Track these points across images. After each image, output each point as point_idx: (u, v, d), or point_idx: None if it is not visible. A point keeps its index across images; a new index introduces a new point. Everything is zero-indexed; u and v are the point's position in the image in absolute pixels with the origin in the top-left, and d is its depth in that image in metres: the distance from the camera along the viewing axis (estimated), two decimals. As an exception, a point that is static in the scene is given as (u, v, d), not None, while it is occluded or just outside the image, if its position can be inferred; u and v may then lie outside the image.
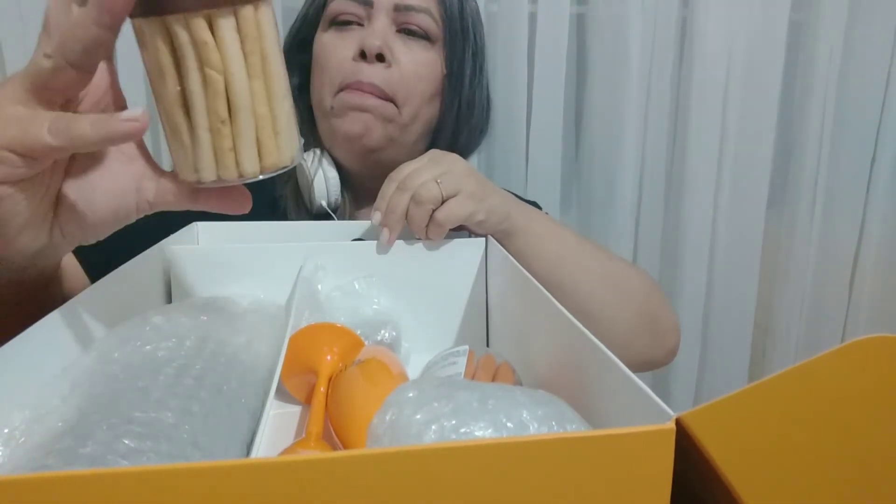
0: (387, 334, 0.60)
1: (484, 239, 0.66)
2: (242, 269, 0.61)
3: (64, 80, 0.41)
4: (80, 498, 0.24)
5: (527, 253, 0.67)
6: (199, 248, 0.67)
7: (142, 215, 0.46)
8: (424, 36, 0.80)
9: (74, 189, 0.45)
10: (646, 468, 0.27)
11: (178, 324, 0.49)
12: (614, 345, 0.68)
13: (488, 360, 0.52)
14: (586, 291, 0.68)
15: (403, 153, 0.80)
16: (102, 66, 0.42)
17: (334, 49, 0.79)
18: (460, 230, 0.65)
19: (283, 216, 0.83)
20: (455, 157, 0.67)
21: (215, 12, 0.37)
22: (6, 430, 0.38)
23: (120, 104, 0.45)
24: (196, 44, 0.37)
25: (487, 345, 0.66)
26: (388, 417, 0.34)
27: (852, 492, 0.29)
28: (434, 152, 0.67)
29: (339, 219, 0.81)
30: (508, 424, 0.32)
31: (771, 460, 0.28)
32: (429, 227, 0.62)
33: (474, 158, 1.17)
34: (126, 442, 0.34)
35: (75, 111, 0.42)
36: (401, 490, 0.25)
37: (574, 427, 0.34)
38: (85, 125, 0.38)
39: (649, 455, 0.27)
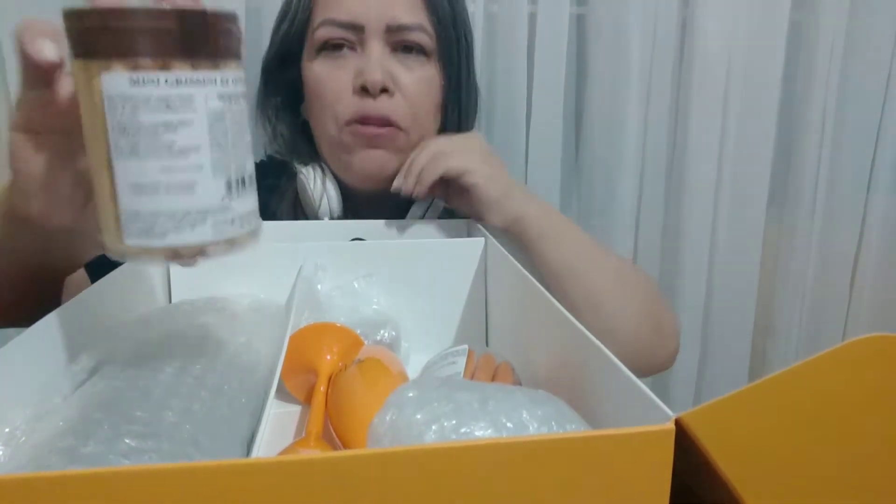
0: (386, 334, 0.60)
1: (483, 239, 0.66)
2: (242, 269, 0.61)
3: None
4: (81, 497, 0.24)
5: (547, 237, 0.69)
6: (199, 247, 0.67)
7: None
8: (421, 51, 0.78)
9: None
10: (645, 468, 0.27)
11: (179, 324, 0.49)
12: (620, 341, 0.70)
13: (488, 360, 0.52)
14: (599, 284, 0.69)
15: None
16: None
17: (330, 81, 0.77)
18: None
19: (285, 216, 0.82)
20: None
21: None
22: (7, 430, 0.38)
23: None
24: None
25: (487, 344, 0.67)
26: (388, 417, 0.34)
27: (852, 490, 0.29)
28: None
29: None
30: (508, 425, 0.32)
31: (771, 459, 0.28)
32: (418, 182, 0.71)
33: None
34: (127, 441, 0.34)
35: None
36: (402, 490, 0.25)
37: (574, 427, 0.34)
38: None
39: (649, 455, 0.27)
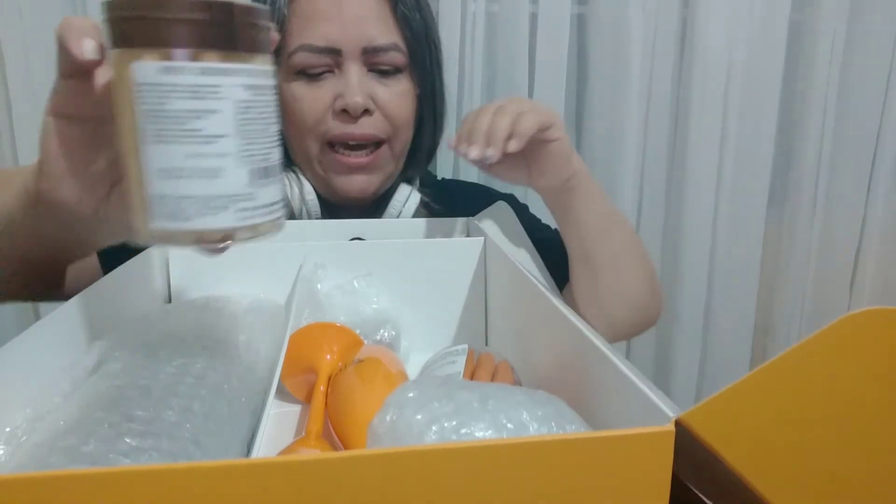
0: (386, 333, 0.60)
1: (483, 238, 0.66)
2: (242, 269, 0.61)
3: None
4: (82, 497, 0.24)
5: (591, 195, 0.68)
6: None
7: None
8: (396, 70, 0.79)
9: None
10: (645, 469, 0.27)
11: (179, 323, 0.49)
12: (630, 304, 0.73)
13: (487, 359, 0.52)
14: (623, 246, 0.70)
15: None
16: None
17: (309, 102, 0.77)
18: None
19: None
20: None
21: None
22: (8, 429, 0.38)
23: None
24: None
25: (486, 344, 0.67)
26: (388, 417, 0.34)
27: (862, 465, 0.29)
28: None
29: None
30: (508, 425, 0.32)
31: (778, 446, 0.28)
32: (510, 139, 0.61)
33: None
34: (128, 440, 0.35)
35: None
36: (402, 490, 0.25)
37: (573, 428, 0.34)
38: None
39: (649, 456, 0.27)
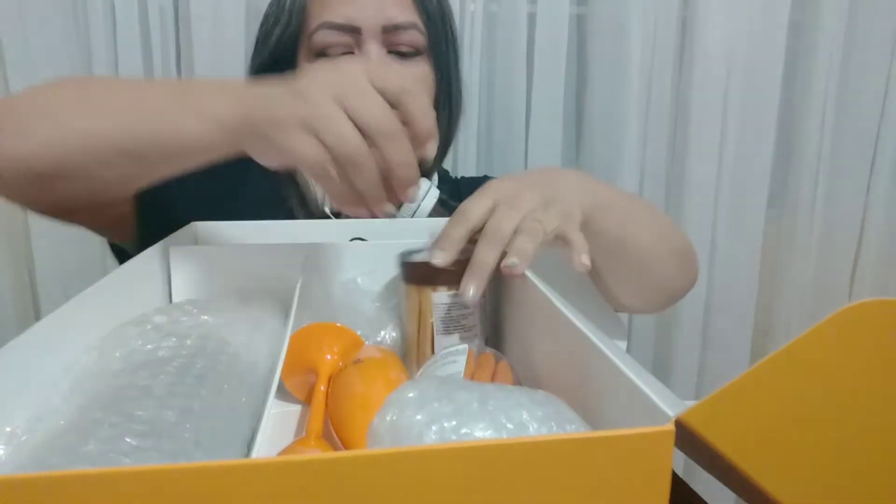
0: (387, 334, 0.60)
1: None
2: (242, 269, 0.61)
3: None
4: (82, 497, 0.24)
5: (612, 215, 0.62)
6: (199, 248, 0.67)
7: None
8: (415, 52, 0.80)
9: None
10: (645, 469, 0.27)
11: (179, 323, 0.49)
12: (663, 290, 0.72)
13: (487, 359, 0.52)
14: (650, 248, 0.66)
15: None
16: None
17: None
18: None
19: (290, 215, 0.83)
20: (564, 184, 0.59)
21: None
22: (8, 429, 0.38)
23: None
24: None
25: (487, 344, 0.67)
26: (388, 418, 0.34)
27: (864, 455, 0.29)
28: (542, 175, 0.59)
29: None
30: (508, 425, 0.32)
31: (779, 440, 0.28)
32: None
33: (473, 159, 1.18)
34: (128, 440, 0.34)
35: None
36: (402, 490, 0.25)
37: (573, 428, 0.34)
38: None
39: (648, 456, 0.27)
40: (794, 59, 1.23)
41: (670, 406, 0.29)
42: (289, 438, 0.51)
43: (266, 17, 0.86)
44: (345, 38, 0.77)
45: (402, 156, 0.46)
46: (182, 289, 0.63)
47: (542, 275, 0.52)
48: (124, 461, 0.33)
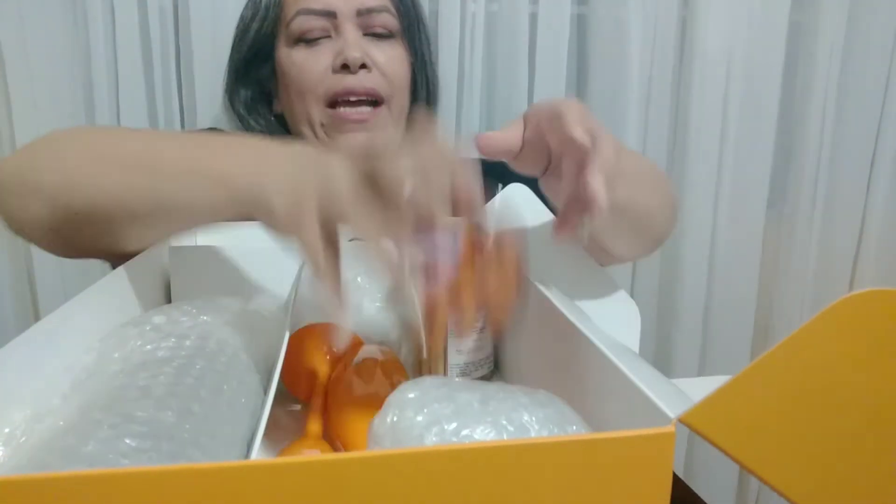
0: (387, 335, 0.60)
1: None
2: (242, 269, 0.61)
3: None
4: (81, 498, 0.24)
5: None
6: (198, 248, 0.67)
7: None
8: (389, 34, 0.85)
9: None
10: (646, 471, 0.27)
11: (179, 323, 0.49)
12: (657, 240, 0.70)
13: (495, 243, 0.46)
14: (652, 205, 0.65)
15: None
16: None
17: (310, 64, 0.82)
18: None
19: None
20: None
21: None
22: (7, 430, 0.38)
23: None
24: None
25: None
26: (388, 419, 0.34)
27: (866, 444, 0.29)
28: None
29: None
30: (509, 427, 0.32)
31: (783, 437, 0.28)
32: None
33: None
34: (127, 441, 0.34)
35: None
36: (402, 492, 0.25)
37: (574, 429, 0.34)
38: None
39: (649, 458, 0.27)
40: (794, 59, 1.23)
41: (675, 404, 0.29)
42: (289, 439, 0.51)
43: (242, 17, 0.90)
44: (322, 23, 0.82)
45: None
46: (181, 289, 0.63)
47: (541, 272, 0.52)
48: (123, 462, 0.33)
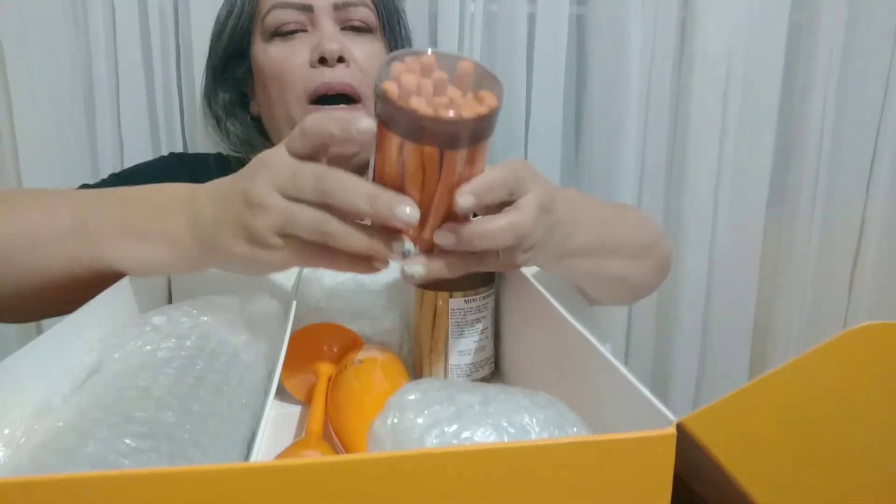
0: (388, 335, 0.60)
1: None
2: (243, 269, 0.61)
3: None
4: (81, 499, 0.24)
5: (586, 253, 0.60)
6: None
7: None
8: (367, 29, 0.83)
9: None
10: (646, 473, 0.27)
11: (179, 324, 0.49)
12: (637, 295, 0.75)
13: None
14: (624, 267, 0.66)
15: None
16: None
17: (288, 59, 0.81)
18: None
19: None
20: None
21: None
22: (7, 431, 0.38)
23: None
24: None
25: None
26: (389, 421, 0.34)
27: (859, 479, 0.29)
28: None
29: None
30: (510, 429, 0.32)
31: (776, 455, 0.28)
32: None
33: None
34: (127, 441, 0.34)
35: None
36: (402, 494, 0.25)
37: (575, 431, 0.34)
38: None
39: (650, 460, 0.27)
40: (794, 59, 1.23)
41: (669, 412, 0.29)
42: (289, 439, 0.51)
43: (218, 16, 0.89)
44: (298, 16, 0.81)
45: (354, 193, 0.43)
46: (182, 289, 0.63)
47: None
48: (123, 462, 0.33)
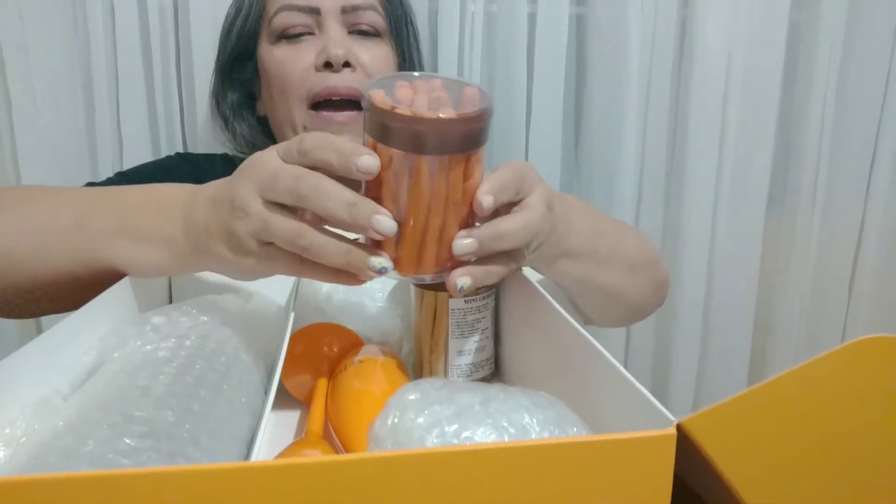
0: (388, 335, 0.60)
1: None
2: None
3: None
4: (81, 499, 0.24)
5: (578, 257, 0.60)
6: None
7: None
8: (375, 33, 0.82)
9: None
10: (646, 473, 0.27)
11: (179, 324, 0.49)
12: (631, 315, 0.73)
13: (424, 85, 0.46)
14: (619, 282, 0.66)
15: None
16: None
17: (293, 62, 0.80)
18: None
19: None
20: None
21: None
22: (7, 430, 0.38)
23: None
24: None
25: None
26: (389, 420, 0.34)
27: (853, 492, 0.30)
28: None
29: None
30: (510, 429, 0.32)
31: (772, 463, 0.28)
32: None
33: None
34: (127, 441, 0.34)
35: None
36: (403, 493, 0.25)
37: (575, 431, 0.34)
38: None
39: (650, 460, 0.27)
40: (794, 58, 1.23)
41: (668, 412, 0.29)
42: (289, 439, 0.51)
43: (227, 15, 0.88)
44: (305, 19, 0.80)
45: (332, 199, 0.42)
46: (182, 289, 0.63)
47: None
48: (123, 462, 0.33)
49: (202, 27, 1.03)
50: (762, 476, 0.28)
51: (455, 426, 0.32)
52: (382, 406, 0.36)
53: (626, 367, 0.35)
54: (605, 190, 1.21)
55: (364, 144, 0.44)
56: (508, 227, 0.45)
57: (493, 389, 0.36)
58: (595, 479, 0.27)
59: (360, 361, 0.52)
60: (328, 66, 0.78)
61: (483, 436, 0.31)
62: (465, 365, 0.56)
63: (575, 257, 0.58)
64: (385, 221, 0.42)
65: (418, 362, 0.57)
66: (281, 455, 0.43)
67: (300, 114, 0.81)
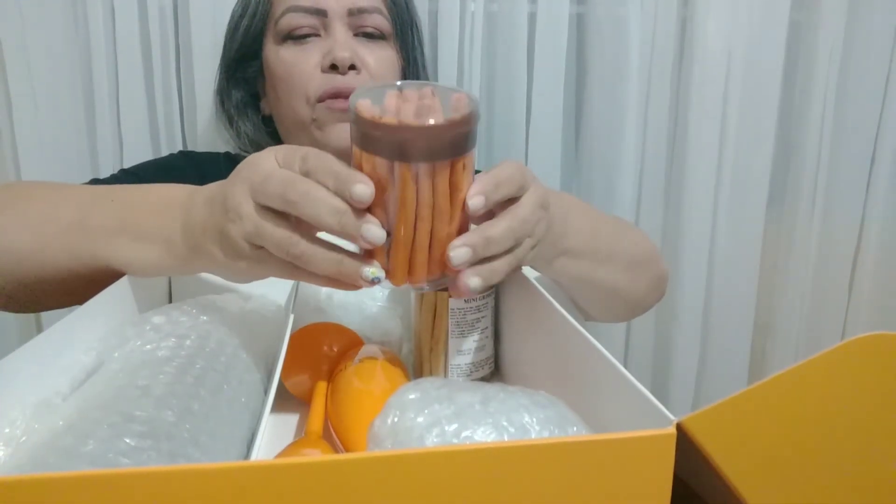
0: (388, 335, 0.60)
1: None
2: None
3: None
4: (81, 498, 0.24)
5: (576, 255, 0.60)
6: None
7: None
8: (381, 36, 0.83)
9: None
10: (646, 472, 0.27)
11: (178, 323, 0.49)
12: (631, 311, 0.73)
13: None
14: (618, 280, 0.66)
15: None
16: None
17: (299, 63, 0.81)
18: None
19: None
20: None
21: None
22: (7, 430, 0.38)
23: None
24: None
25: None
26: (389, 420, 0.34)
27: (853, 489, 0.30)
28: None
29: None
30: (510, 429, 0.32)
31: (772, 461, 0.28)
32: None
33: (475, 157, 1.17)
34: (127, 440, 0.34)
35: None
36: (403, 493, 0.25)
37: (575, 430, 0.34)
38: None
39: (650, 459, 0.27)
40: (794, 58, 1.23)
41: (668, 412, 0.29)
42: (289, 439, 0.51)
43: (232, 14, 0.89)
44: (311, 21, 0.80)
45: (320, 206, 0.42)
46: (182, 289, 0.63)
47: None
48: (123, 461, 0.33)
49: (202, 27, 1.03)
50: (762, 475, 0.28)
51: (455, 425, 0.32)
52: (382, 406, 0.36)
53: (625, 366, 0.35)
54: (605, 190, 1.21)
55: (352, 156, 0.44)
56: (497, 230, 0.45)
57: (493, 389, 0.36)
58: (595, 478, 0.27)
59: (360, 361, 0.52)
60: (334, 68, 0.79)
61: (483, 435, 0.31)
62: (465, 364, 0.56)
63: (574, 256, 0.58)
64: (374, 230, 0.42)
65: (418, 362, 0.57)
66: (281, 455, 0.43)
67: (306, 112, 0.81)
